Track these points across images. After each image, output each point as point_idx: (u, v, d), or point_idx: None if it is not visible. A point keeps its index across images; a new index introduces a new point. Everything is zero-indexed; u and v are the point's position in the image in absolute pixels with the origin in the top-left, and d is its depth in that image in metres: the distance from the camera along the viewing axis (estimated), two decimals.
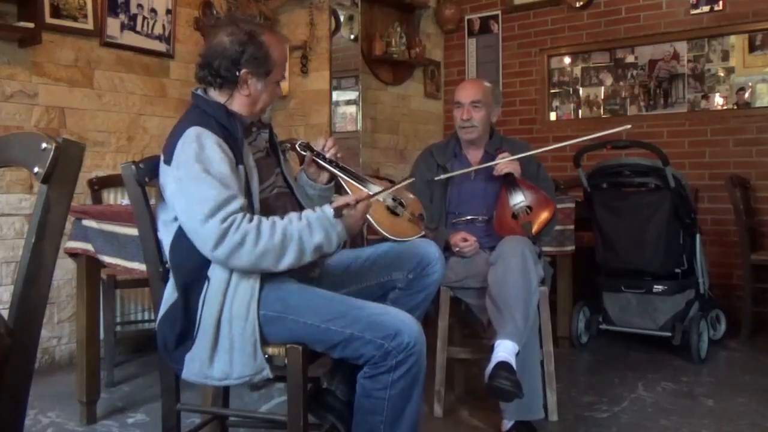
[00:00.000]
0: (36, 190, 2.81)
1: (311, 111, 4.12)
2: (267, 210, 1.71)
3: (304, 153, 1.91)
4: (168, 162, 1.60)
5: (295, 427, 1.56)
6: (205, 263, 1.58)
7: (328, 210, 1.59)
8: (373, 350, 1.52)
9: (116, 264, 2.28)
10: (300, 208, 1.85)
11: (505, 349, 2.10)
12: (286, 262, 1.55)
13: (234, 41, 1.67)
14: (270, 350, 1.58)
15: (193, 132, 1.58)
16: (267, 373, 1.57)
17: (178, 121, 1.67)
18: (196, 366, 1.58)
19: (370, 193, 1.89)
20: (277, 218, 1.56)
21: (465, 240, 2.48)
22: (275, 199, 1.77)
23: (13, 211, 3.09)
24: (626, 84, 4.54)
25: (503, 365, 2.04)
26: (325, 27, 4.09)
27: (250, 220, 1.52)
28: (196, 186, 1.53)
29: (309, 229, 1.55)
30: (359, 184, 1.93)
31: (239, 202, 1.53)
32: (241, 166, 1.62)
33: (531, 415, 2.28)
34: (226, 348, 1.56)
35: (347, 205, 1.61)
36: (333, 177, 1.95)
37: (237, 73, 1.67)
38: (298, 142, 1.93)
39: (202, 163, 1.54)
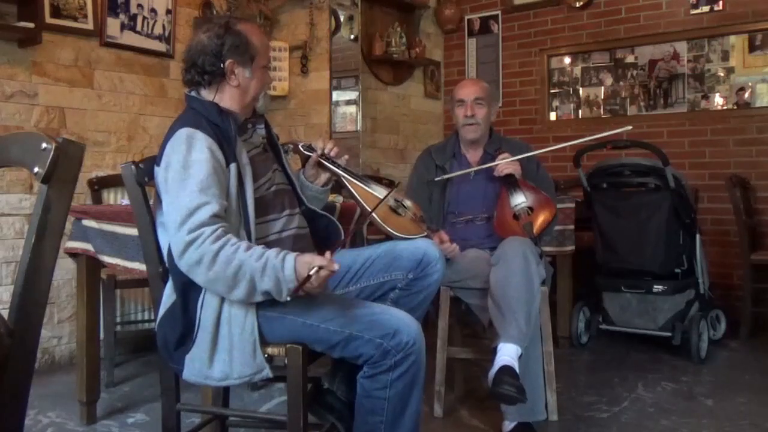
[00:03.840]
0: (36, 190, 2.81)
1: (311, 111, 4.12)
2: (263, 207, 1.71)
3: (309, 153, 1.90)
4: (158, 162, 1.62)
5: (295, 427, 1.56)
6: None
7: (289, 267, 1.46)
8: (372, 350, 1.52)
9: (116, 264, 2.28)
10: (300, 204, 1.85)
11: (507, 353, 2.10)
12: (238, 295, 1.50)
13: (212, 36, 1.68)
14: (270, 350, 1.58)
15: (183, 133, 1.59)
16: (267, 372, 1.57)
17: (173, 123, 1.68)
18: (196, 366, 1.58)
19: (375, 193, 1.89)
20: (242, 246, 1.49)
21: (442, 242, 2.33)
22: (273, 196, 1.76)
23: (13, 211, 3.09)
24: (626, 84, 4.54)
25: (506, 370, 2.04)
26: (325, 27, 4.09)
27: (215, 240, 1.47)
28: (176, 191, 1.53)
29: (262, 272, 1.46)
30: (362, 184, 1.93)
31: (211, 209, 1.50)
32: (233, 165, 1.62)
33: (533, 416, 2.28)
34: (226, 348, 1.56)
35: (307, 279, 1.44)
36: (330, 179, 1.96)
37: (222, 66, 1.67)
38: (301, 144, 1.93)
39: (185, 167, 1.54)
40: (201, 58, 1.68)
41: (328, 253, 1.48)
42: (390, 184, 2.01)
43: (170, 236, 1.55)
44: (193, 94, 1.74)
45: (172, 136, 1.60)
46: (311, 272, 1.43)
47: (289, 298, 1.49)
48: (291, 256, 1.48)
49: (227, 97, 1.72)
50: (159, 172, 1.61)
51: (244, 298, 1.51)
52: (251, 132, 1.81)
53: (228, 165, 1.61)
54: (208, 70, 1.68)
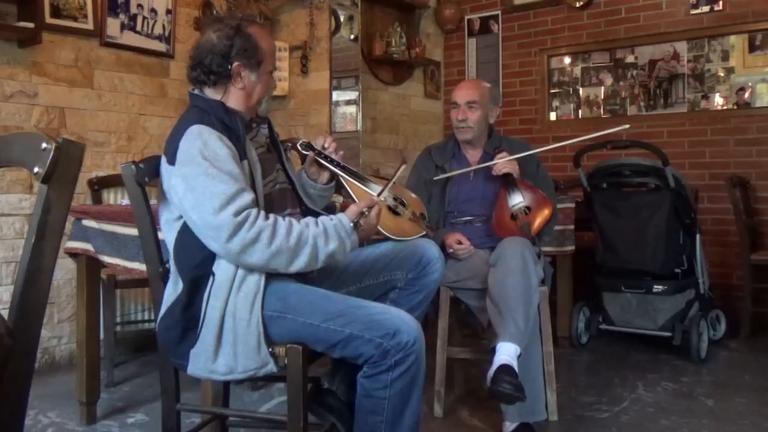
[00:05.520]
0: (36, 190, 2.81)
1: (311, 111, 4.12)
2: (269, 205, 1.71)
3: (306, 152, 1.91)
4: (171, 162, 1.59)
5: (295, 427, 1.56)
6: (210, 259, 1.58)
7: (345, 219, 1.61)
8: (372, 349, 1.52)
9: (116, 264, 2.28)
10: (300, 204, 1.85)
11: (506, 352, 2.10)
12: (299, 264, 1.56)
13: (221, 36, 1.68)
14: (274, 349, 1.58)
15: (195, 129, 1.58)
16: (271, 367, 1.57)
17: (178, 122, 1.67)
18: (200, 361, 1.58)
19: (373, 193, 1.89)
20: (293, 220, 1.58)
21: (460, 243, 2.47)
22: (277, 194, 1.77)
23: (13, 211, 3.09)
24: (626, 84, 4.54)
25: (505, 368, 2.04)
26: (325, 27, 4.09)
27: (266, 217, 1.53)
28: (205, 182, 1.52)
29: (325, 235, 1.57)
30: (360, 183, 1.93)
31: (250, 194, 1.54)
32: (245, 161, 1.63)
33: (533, 416, 2.28)
34: (231, 342, 1.56)
35: (362, 214, 1.62)
36: (333, 176, 1.95)
37: (229, 67, 1.68)
38: (300, 142, 1.93)
39: (208, 159, 1.54)
40: (209, 58, 1.67)
41: (367, 197, 1.69)
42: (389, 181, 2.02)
43: (207, 223, 1.51)
44: (197, 92, 1.74)
45: (182, 134, 1.59)
46: (364, 210, 1.62)
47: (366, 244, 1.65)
48: (342, 214, 1.63)
49: (232, 99, 1.72)
50: (173, 171, 1.59)
51: (304, 266, 1.57)
52: (256, 131, 1.82)
53: (241, 161, 1.62)
54: (215, 71, 1.68)
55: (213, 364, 1.57)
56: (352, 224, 1.61)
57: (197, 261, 1.58)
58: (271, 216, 1.55)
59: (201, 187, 1.53)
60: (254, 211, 1.53)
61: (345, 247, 1.60)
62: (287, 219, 1.58)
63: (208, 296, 1.57)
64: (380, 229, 1.87)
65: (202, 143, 1.56)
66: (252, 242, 1.50)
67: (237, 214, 1.50)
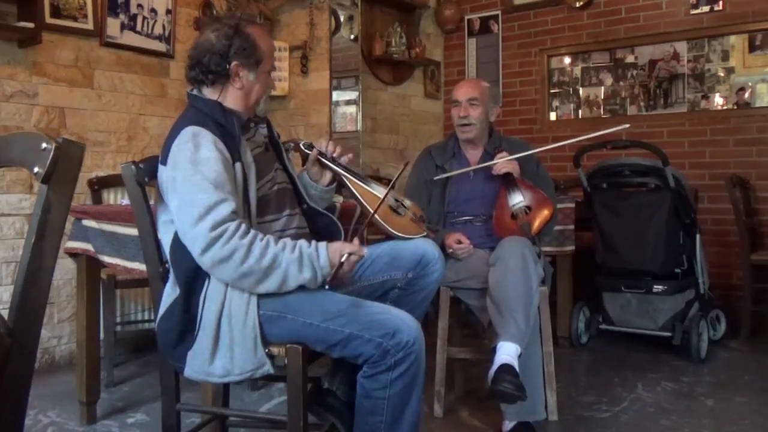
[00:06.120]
0: (36, 190, 2.81)
1: (311, 111, 4.12)
2: (266, 206, 1.71)
3: (308, 151, 1.91)
4: (164, 162, 1.61)
5: (295, 427, 1.56)
6: None
7: (323, 255, 1.56)
8: (371, 349, 1.52)
9: (116, 264, 2.28)
10: (300, 204, 1.85)
11: (507, 352, 2.10)
12: (267, 287, 1.54)
13: (220, 36, 1.68)
14: (270, 350, 1.58)
15: (189, 131, 1.58)
16: (268, 368, 1.57)
17: (175, 122, 1.67)
18: (197, 363, 1.58)
19: (376, 193, 1.89)
20: (272, 239, 1.54)
21: (459, 242, 2.48)
22: (276, 195, 1.77)
23: (13, 211, 3.09)
24: (626, 84, 4.54)
25: (506, 368, 2.04)
26: (325, 27, 4.09)
27: (244, 235, 1.50)
28: (188, 188, 1.53)
29: (299, 264, 1.53)
30: (362, 183, 1.93)
31: (230, 205, 1.52)
32: (238, 164, 1.62)
33: (533, 415, 2.28)
34: (227, 344, 1.56)
35: (341, 266, 1.56)
36: (335, 178, 1.96)
37: (227, 67, 1.68)
38: (302, 142, 1.93)
39: (195, 164, 1.54)
40: (207, 57, 1.68)
41: (356, 240, 1.60)
42: (389, 182, 2.03)
43: (184, 232, 1.54)
44: (195, 92, 1.74)
45: (177, 135, 1.59)
46: (342, 259, 1.54)
47: (327, 287, 1.57)
48: (323, 245, 1.57)
49: (230, 98, 1.72)
50: (164, 171, 1.61)
51: (272, 290, 1.55)
52: (254, 131, 1.82)
53: (233, 164, 1.61)
54: (213, 70, 1.68)
55: (210, 366, 1.57)
56: (327, 262, 1.55)
57: (192, 264, 1.57)
58: (250, 233, 1.52)
59: (184, 192, 1.53)
60: (232, 225, 1.50)
61: (316, 279, 1.56)
62: (266, 238, 1.53)
63: (204, 298, 1.57)
64: (384, 226, 1.87)
65: (193, 146, 1.56)
66: (224, 259, 1.49)
67: (213, 228, 1.48)
